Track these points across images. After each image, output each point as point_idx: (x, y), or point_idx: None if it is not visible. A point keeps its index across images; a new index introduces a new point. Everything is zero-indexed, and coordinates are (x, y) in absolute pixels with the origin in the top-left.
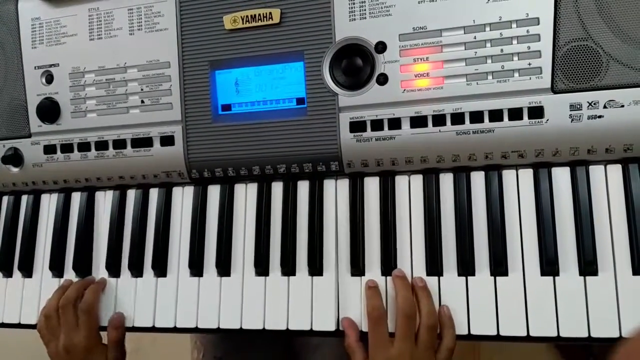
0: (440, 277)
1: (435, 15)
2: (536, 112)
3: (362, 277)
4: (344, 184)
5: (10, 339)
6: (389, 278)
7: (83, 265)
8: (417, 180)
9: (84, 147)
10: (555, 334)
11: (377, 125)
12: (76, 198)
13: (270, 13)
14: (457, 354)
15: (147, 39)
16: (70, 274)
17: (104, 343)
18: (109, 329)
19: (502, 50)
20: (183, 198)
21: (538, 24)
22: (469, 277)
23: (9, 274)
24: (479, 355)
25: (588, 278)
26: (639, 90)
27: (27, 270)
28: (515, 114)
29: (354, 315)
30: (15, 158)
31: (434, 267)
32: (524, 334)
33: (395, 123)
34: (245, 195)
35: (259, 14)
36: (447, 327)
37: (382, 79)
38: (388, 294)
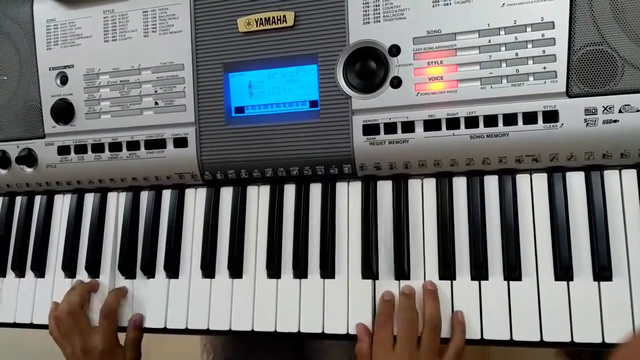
0: (453, 281)
1: (450, 19)
2: (551, 116)
3: (375, 280)
4: (356, 187)
5: (10, 339)
6: (401, 282)
7: (95, 265)
8: (430, 184)
9: (97, 148)
10: (569, 339)
11: (390, 128)
12: (89, 199)
13: (284, 16)
14: None
15: (161, 41)
16: (82, 275)
17: (121, 345)
18: (129, 329)
19: (516, 54)
20: (196, 200)
21: (553, 27)
22: (482, 282)
23: (21, 273)
24: None
25: (602, 283)
26: None
27: (39, 270)
28: (530, 118)
29: (365, 318)
30: (29, 158)
31: (447, 271)
32: (538, 339)
33: (408, 126)
34: (258, 198)
35: (273, 17)
36: (457, 330)
37: (396, 82)
38: (398, 297)
